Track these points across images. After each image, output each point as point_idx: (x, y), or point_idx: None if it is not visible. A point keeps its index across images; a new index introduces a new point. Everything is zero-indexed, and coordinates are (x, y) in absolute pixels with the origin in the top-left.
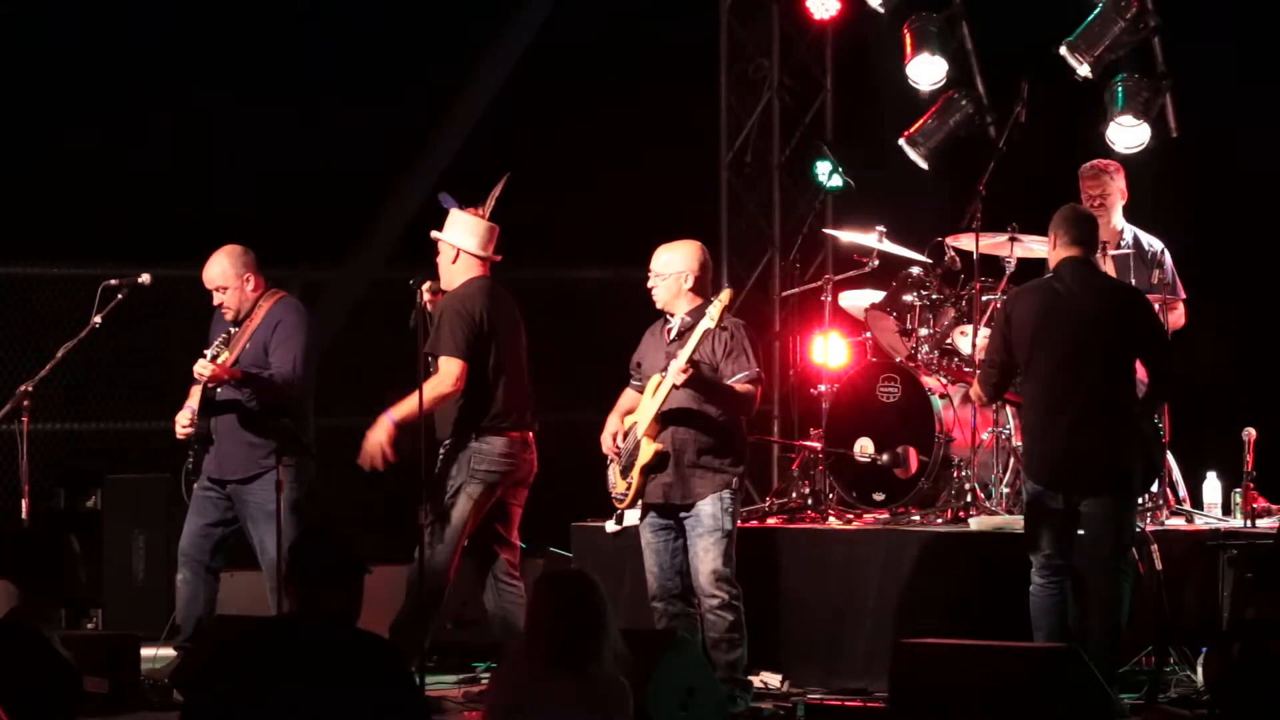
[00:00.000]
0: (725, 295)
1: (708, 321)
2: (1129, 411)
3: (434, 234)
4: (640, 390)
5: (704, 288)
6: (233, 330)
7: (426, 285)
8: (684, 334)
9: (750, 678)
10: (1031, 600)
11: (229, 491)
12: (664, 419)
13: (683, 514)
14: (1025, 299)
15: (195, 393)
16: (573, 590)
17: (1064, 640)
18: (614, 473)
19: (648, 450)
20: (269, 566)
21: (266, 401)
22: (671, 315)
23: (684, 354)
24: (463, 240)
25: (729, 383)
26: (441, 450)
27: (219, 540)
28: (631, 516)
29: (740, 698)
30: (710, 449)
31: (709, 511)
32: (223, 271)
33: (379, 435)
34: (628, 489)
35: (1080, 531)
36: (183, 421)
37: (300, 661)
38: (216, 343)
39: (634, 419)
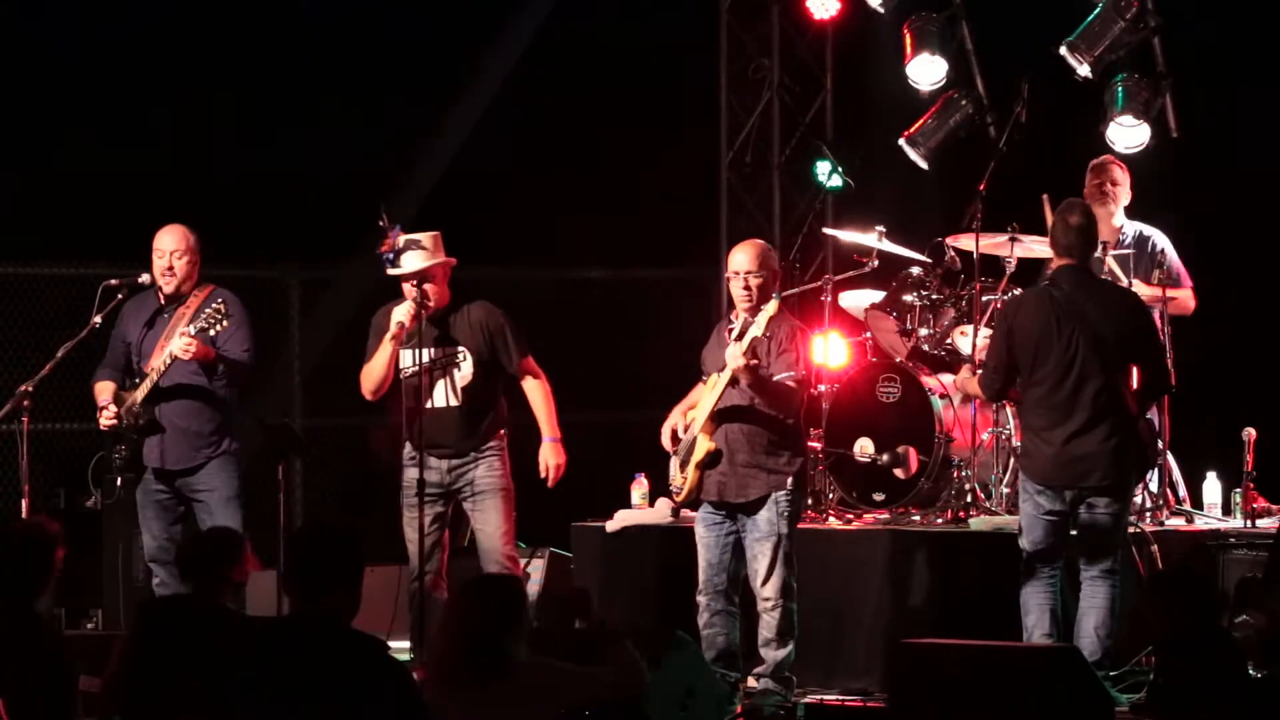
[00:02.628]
0: (772, 307)
1: (756, 330)
2: (1129, 415)
3: (433, 261)
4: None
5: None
6: (167, 303)
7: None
8: (745, 332)
9: (749, 677)
10: (1022, 591)
11: (177, 485)
12: (719, 417)
13: (740, 513)
14: (1025, 308)
15: (105, 388)
16: (464, 603)
17: (1052, 628)
18: (674, 465)
19: (702, 447)
20: None
21: (224, 387)
22: (736, 316)
23: (738, 351)
24: (443, 255)
25: (775, 380)
26: (470, 458)
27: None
28: (688, 510)
29: (781, 695)
30: (764, 448)
31: (765, 517)
32: (183, 237)
33: (560, 458)
34: (684, 483)
35: (1074, 531)
36: (109, 412)
37: (299, 661)
38: (199, 321)
39: (694, 414)
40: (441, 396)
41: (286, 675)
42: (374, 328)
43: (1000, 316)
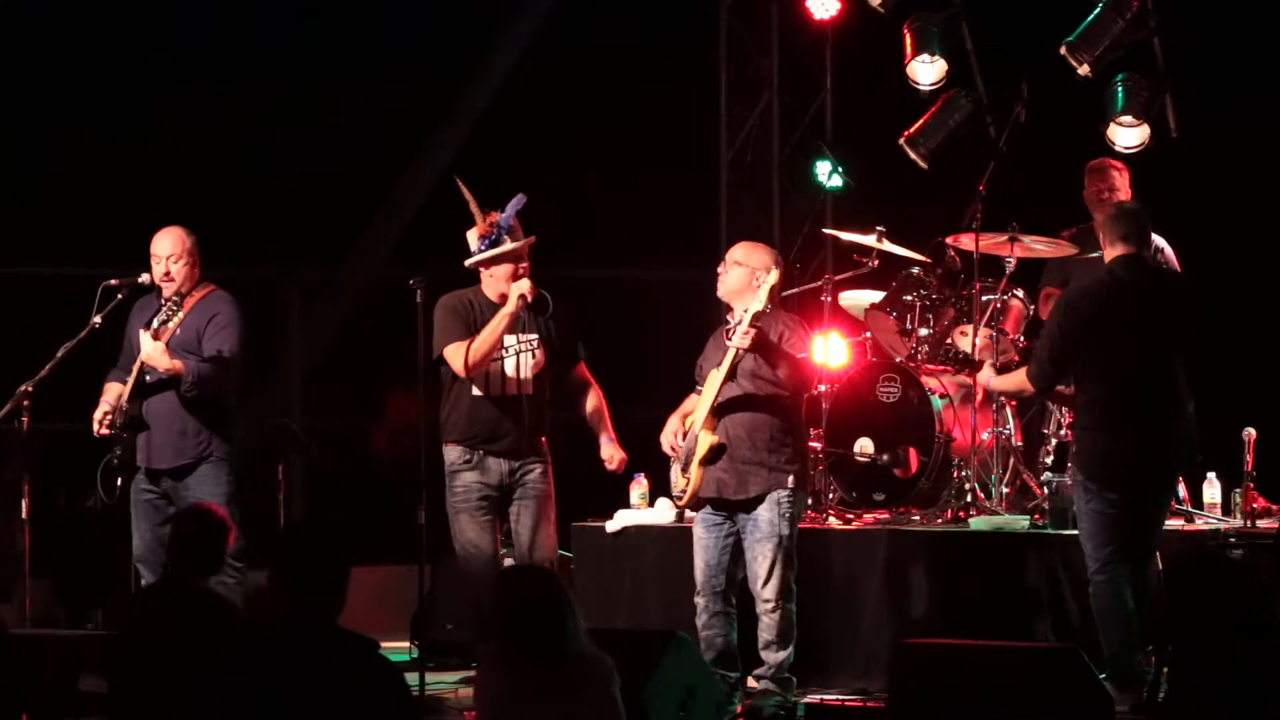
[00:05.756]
0: (774, 276)
1: (756, 304)
2: (1187, 408)
3: (527, 239)
4: (700, 393)
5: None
6: (165, 301)
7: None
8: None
9: (749, 678)
10: (1096, 600)
11: (165, 488)
12: (719, 411)
13: (740, 513)
14: (1085, 299)
15: (110, 388)
16: (526, 587)
17: (1131, 639)
18: (675, 471)
19: (704, 443)
20: None
21: (201, 385)
22: (731, 315)
23: (742, 326)
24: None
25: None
26: (529, 459)
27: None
28: (691, 514)
29: (780, 695)
30: (765, 445)
31: (766, 517)
32: (179, 240)
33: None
34: (686, 485)
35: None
36: (100, 413)
37: (290, 662)
38: (159, 314)
39: (693, 417)
40: (514, 384)
41: (277, 675)
42: (449, 311)
43: (1063, 308)
